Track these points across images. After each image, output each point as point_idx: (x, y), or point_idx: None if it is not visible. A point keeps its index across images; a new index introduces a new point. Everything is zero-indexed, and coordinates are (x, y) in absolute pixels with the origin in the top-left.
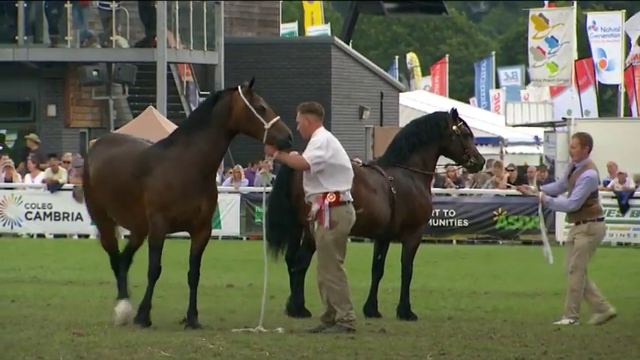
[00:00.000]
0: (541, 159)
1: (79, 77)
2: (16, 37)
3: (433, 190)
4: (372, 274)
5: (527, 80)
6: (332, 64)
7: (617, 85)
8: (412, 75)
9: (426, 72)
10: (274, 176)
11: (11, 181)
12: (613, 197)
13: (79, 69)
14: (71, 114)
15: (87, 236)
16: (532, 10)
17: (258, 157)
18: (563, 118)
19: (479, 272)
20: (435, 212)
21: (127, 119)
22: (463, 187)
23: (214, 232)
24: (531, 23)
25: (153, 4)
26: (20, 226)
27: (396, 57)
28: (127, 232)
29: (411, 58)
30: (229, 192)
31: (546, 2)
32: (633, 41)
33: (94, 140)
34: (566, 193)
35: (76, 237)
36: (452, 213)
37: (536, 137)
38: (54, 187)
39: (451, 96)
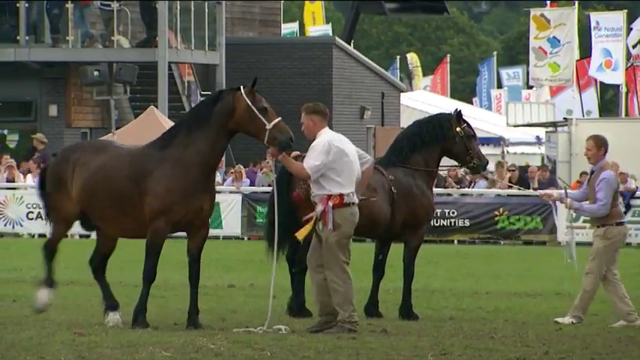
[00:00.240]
0: (542, 159)
1: (81, 77)
2: (18, 37)
3: (434, 190)
4: (373, 274)
5: (529, 80)
6: (333, 64)
7: (619, 85)
8: (413, 75)
9: (427, 72)
10: (276, 176)
11: (13, 181)
12: None
13: (80, 69)
14: (72, 114)
15: (88, 236)
16: (533, 10)
17: (260, 157)
18: (564, 118)
19: (480, 272)
20: (437, 212)
21: (128, 119)
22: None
23: (216, 232)
24: (532, 23)
25: (154, 4)
26: (22, 226)
27: (397, 57)
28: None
29: (412, 58)
30: (230, 192)
31: (548, 2)
32: (630, 43)
33: (67, 149)
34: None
35: (77, 237)
36: (453, 213)
37: (537, 137)
38: None
39: (452, 96)
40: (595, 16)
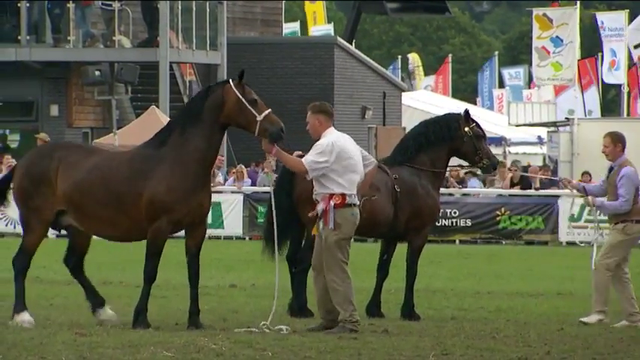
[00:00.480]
0: (544, 159)
1: (82, 77)
2: (19, 37)
3: None
4: (377, 273)
5: (531, 80)
6: (335, 64)
7: (621, 85)
8: (414, 75)
9: (429, 72)
10: (276, 175)
11: None
12: None
13: (81, 69)
14: (74, 114)
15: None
16: (535, 10)
17: (261, 157)
18: (566, 118)
19: (482, 272)
20: None
21: (130, 119)
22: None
23: (217, 232)
24: (535, 23)
25: (155, 4)
26: None
27: (399, 57)
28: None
29: (413, 58)
30: (232, 192)
31: (550, 2)
32: (632, 44)
33: (44, 147)
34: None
35: None
36: (455, 213)
37: (539, 137)
38: None
39: (454, 96)
40: (600, 16)
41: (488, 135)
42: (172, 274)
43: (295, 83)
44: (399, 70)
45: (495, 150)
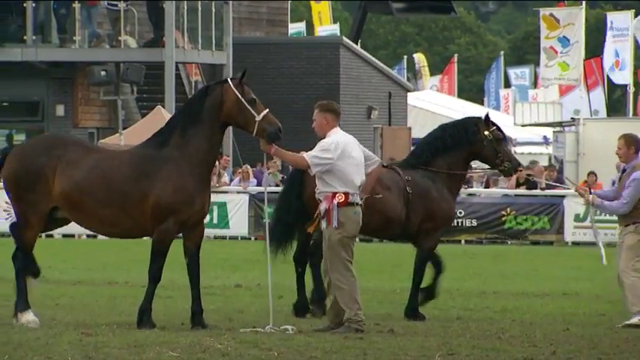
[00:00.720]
0: (550, 159)
1: (88, 77)
2: (25, 37)
3: None
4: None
5: (536, 80)
6: (340, 64)
7: (626, 85)
8: (420, 75)
9: (434, 72)
10: (283, 176)
11: None
12: None
13: (87, 69)
14: (79, 114)
15: (95, 236)
16: (542, 10)
17: (267, 157)
18: (572, 118)
19: (487, 272)
20: None
21: (136, 119)
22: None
23: (223, 232)
24: (542, 23)
25: (161, 4)
26: None
27: (405, 57)
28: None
29: (419, 58)
30: (238, 192)
31: (557, 2)
32: None
33: (43, 143)
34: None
35: (84, 237)
36: (460, 213)
37: (544, 137)
38: None
39: (460, 96)
40: (610, 16)
41: None
42: (178, 274)
43: (301, 83)
44: (405, 70)
45: None
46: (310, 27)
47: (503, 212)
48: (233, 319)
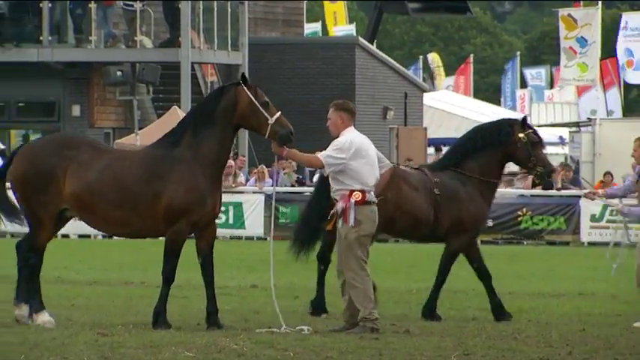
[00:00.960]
0: (566, 159)
1: (104, 77)
2: (41, 38)
3: None
4: (482, 282)
5: (552, 81)
6: (356, 64)
7: None
8: (434, 75)
9: (450, 72)
10: (298, 176)
11: None
12: None
13: (103, 69)
14: (95, 114)
15: (111, 237)
16: (561, 11)
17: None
18: (588, 118)
19: (503, 272)
20: None
21: (151, 119)
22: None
23: (238, 232)
24: (561, 23)
25: (177, 4)
26: None
27: (420, 57)
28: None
29: (433, 58)
30: (253, 192)
31: (573, 2)
32: None
33: (54, 142)
34: (632, 195)
35: (100, 237)
36: None
37: (560, 137)
38: None
39: (475, 96)
40: (625, 16)
41: None
42: (193, 274)
43: (316, 83)
44: (421, 71)
45: None
46: (325, 27)
47: (519, 212)
48: (249, 320)
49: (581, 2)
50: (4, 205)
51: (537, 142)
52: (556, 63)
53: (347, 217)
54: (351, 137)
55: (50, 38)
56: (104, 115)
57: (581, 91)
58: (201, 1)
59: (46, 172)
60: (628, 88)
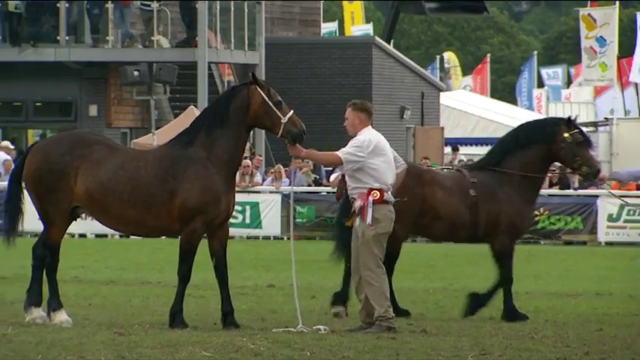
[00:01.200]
0: None
1: (121, 77)
2: (58, 38)
3: None
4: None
5: (569, 80)
6: (373, 64)
7: None
8: (449, 75)
9: (467, 71)
10: (316, 176)
11: None
12: None
13: (120, 69)
14: (112, 114)
15: (128, 236)
16: (581, 10)
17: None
18: (605, 118)
19: (520, 272)
20: None
21: (168, 119)
22: None
23: (255, 232)
24: (582, 23)
25: (194, 4)
26: None
27: (437, 57)
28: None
29: (449, 57)
30: (270, 192)
31: (589, 2)
32: None
33: (66, 141)
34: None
35: (117, 237)
36: None
37: None
38: None
39: (492, 96)
40: None
41: None
42: (209, 273)
43: (333, 83)
44: (438, 70)
45: None
46: (342, 27)
47: (537, 212)
48: (266, 319)
49: (597, 2)
50: (18, 207)
51: (583, 142)
52: (573, 62)
53: (365, 215)
54: (369, 136)
55: (67, 38)
56: (121, 115)
57: (599, 91)
58: (218, 1)
59: (59, 171)
60: None
